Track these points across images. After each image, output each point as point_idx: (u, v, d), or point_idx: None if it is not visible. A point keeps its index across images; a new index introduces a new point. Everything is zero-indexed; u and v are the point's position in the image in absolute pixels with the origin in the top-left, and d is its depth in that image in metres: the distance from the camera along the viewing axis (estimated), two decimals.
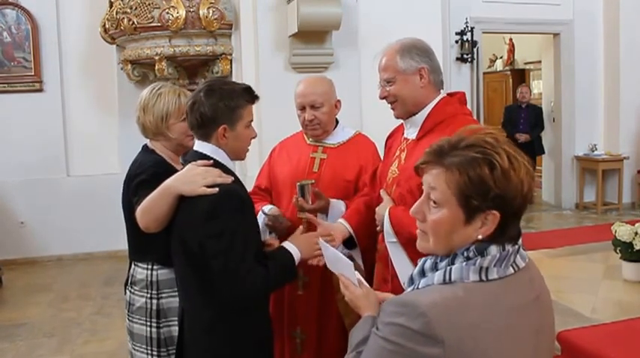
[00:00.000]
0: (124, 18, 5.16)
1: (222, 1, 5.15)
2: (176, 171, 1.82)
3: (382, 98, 1.99)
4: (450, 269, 1.11)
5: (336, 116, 2.46)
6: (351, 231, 2.13)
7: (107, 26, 5.46)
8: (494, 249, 1.11)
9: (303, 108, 2.35)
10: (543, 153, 8.00)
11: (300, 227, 2.10)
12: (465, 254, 1.11)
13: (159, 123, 2.12)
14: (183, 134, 2.11)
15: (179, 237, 1.74)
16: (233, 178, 1.75)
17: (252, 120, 1.83)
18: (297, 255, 1.82)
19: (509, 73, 10.63)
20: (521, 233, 1.16)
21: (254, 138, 1.87)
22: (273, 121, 4.07)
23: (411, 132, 2.01)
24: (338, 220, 2.18)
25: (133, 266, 2.18)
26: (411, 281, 1.20)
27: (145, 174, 2.00)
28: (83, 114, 6.25)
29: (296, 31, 4.56)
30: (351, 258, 1.91)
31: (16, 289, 5.28)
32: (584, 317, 2.38)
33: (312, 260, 1.93)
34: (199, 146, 1.79)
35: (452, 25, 6.87)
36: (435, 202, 1.13)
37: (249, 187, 2.12)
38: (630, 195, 7.68)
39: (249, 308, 1.75)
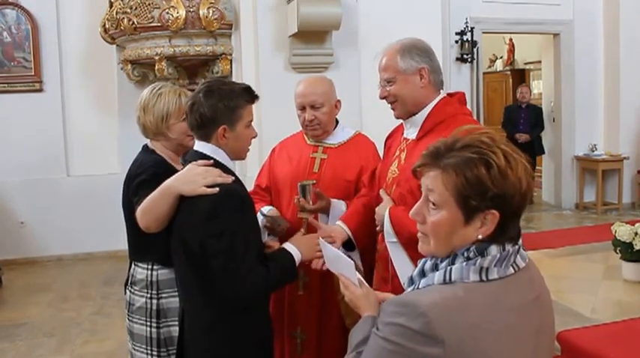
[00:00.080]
0: (124, 18, 5.16)
1: (222, 1, 5.15)
2: (176, 171, 1.82)
3: (382, 98, 1.99)
4: (450, 269, 1.11)
5: (336, 116, 2.46)
6: (350, 234, 2.13)
7: (107, 26, 5.46)
8: (494, 249, 1.11)
9: (303, 109, 2.35)
10: (543, 153, 8.00)
11: (302, 230, 2.10)
12: (465, 254, 1.11)
13: (159, 123, 2.12)
14: (183, 134, 2.11)
15: (179, 237, 1.74)
16: (233, 178, 1.75)
17: (252, 120, 1.83)
18: (297, 256, 1.82)
19: (509, 73, 10.64)
20: (521, 232, 1.16)
21: (254, 137, 1.87)
22: (273, 121, 4.07)
23: (410, 132, 2.01)
24: (336, 222, 2.18)
25: (133, 266, 2.18)
26: (411, 281, 1.20)
27: (145, 174, 2.00)
28: (83, 114, 6.25)
29: (296, 31, 4.56)
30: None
31: (16, 289, 5.28)
32: (584, 317, 2.38)
33: (313, 263, 1.93)
34: (199, 146, 1.79)
35: (452, 25, 6.87)
36: (433, 204, 1.13)
37: (249, 187, 2.12)
38: (630, 195, 7.68)
39: (249, 308, 1.75)
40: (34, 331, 4.25)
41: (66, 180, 6.22)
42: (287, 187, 2.40)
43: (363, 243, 2.16)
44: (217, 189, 1.66)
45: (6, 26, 6.05)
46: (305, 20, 4.46)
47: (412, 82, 1.92)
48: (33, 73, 6.11)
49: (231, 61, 5.34)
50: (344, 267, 1.43)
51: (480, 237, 1.10)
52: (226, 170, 1.76)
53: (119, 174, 4.27)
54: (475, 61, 7.15)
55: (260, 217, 2.26)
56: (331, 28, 4.67)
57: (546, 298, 1.21)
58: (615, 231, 2.74)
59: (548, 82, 8.17)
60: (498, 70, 10.98)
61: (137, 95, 2.26)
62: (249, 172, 4.31)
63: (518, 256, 1.15)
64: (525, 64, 10.55)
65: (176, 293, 2.07)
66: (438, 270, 1.14)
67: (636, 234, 2.66)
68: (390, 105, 2.00)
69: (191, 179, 1.69)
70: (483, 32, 7.25)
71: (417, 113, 1.96)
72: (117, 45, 5.80)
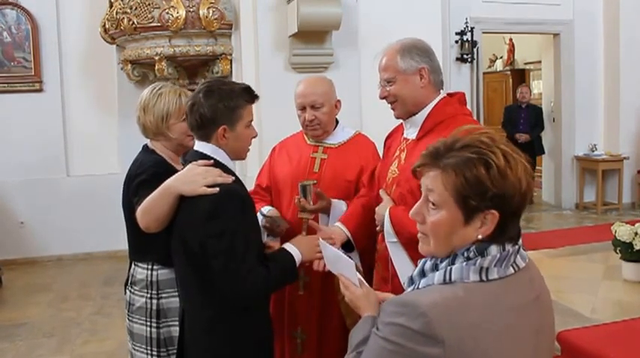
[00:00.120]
0: (124, 18, 5.16)
1: (222, 1, 5.15)
2: (176, 171, 1.82)
3: (382, 98, 1.99)
4: (450, 269, 1.11)
5: (336, 116, 2.46)
6: (349, 235, 2.13)
7: (107, 26, 5.46)
8: (494, 249, 1.11)
9: (303, 109, 2.35)
10: (543, 153, 8.00)
11: (303, 232, 2.09)
12: (465, 254, 1.11)
13: (159, 123, 2.12)
14: (183, 134, 2.11)
15: (179, 237, 1.74)
16: (233, 178, 1.75)
17: (252, 120, 1.83)
18: (298, 256, 1.82)
19: (509, 73, 10.64)
20: (521, 232, 1.16)
21: (254, 137, 1.87)
22: (273, 121, 4.07)
23: (410, 132, 2.01)
24: (335, 223, 2.17)
25: (133, 266, 2.18)
26: (411, 281, 1.20)
27: (146, 174, 2.00)
28: (83, 114, 6.25)
29: (296, 31, 4.56)
30: None
31: (16, 289, 5.28)
32: (584, 318, 2.38)
33: (314, 264, 1.92)
34: (199, 146, 1.79)
35: (452, 25, 6.87)
36: (433, 204, 1.13)
37: (249, 187, 2.12)
38: (630, 195, 7.68)
39: (249, 308, 1.75)
40: (34, 331, 4.25)
41: (66, 180, 6.22)
42: (287, 187, 2.40)
43: (362, 244, 2.16)
44: (217, 189, 1.66)
45: (6, 26, 6.05)
46: (305, 20, 4.46)
47: (412, 82, 1.93)
48: (33, 73, 6.11)
49: (231, 61, 5.35)
50: (344, 267, 1.43)
51: (479, 237, 1.11)
52: (226, 170, 1.76)
53: (119, 174, 4.27)
54: (475, 61, 7.15)
55: (259, 217, 2.26)
56: (331, 28, 4.67)
57: (546, 298, 1.21)
58: (615, 231, 2.74)
59: (548, 82, 8.17)
60: (498, 70, 10.98)
61: (137, 95, 2.26)
62: (249, 172, 4.31)
63: (518, 256, 1.15)
64: (525, 64, 10.55)
65: (176, 294, 2.07)
66: (438, 270, 1.14)
67: (636, 234, 2.66)
68: (390, 105, 2.00)
69: (191, 179, 1.69)
70: (483, 32, 7.25)
71: (416, 113, 1.96)
72: (117, 45, 5.80)
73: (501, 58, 10.98)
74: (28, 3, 6.05)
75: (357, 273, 1.39)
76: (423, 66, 1.92)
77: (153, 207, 1.76)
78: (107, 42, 5.71)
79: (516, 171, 1.10)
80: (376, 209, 2.00)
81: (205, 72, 5.55)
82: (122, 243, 2.38)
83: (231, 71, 5.35)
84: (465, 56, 7.06)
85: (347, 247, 2.14)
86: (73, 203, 6.09)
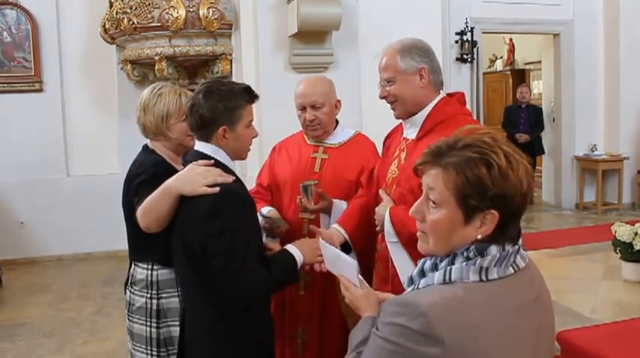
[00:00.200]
0: (124, 18, 5.16)
1: (222, 1, 5.15)
2: (176, 171, 1.82)
3: (382, 98, 1.99)
4: (450, 269, 1.11)
5: (336, 116, 2.46)
6: (346, 236, 2.13)
7: (107, 26, 5.46)
8: (494, 249, 1.11)
9: (303, 109, 2.35)
10: (543, 153, 8.00)
11: (307, 237, 2.09)
12: (465, 254, 1.11)
13: (159, 123, 2.12)
14: (183, 134, 2.11)
15: (180, 237, 1.74)
16: (234, 178, 1.75)
17: (252, 120, 1.83)
18: (299, 258, 1.82)
19: (509, 73, 10.64)
20: (521, 233, 1.16)
21: (255, 137, 1.87)
22: (273, 121, 4.07)
23: (410, 132, 2.01)
24: (332, 225, 2.17)
25: (133, 266, 2.18)
26: (411, 281, 1.20)
27: (146, 174, 2.00)
28: (83, 114, 6.25)
29: (296, 31, 4.56)
30: None
31: (16, 289, 5.28)
32: (584, 318, 2.38)
33: (315, 267, 1.92)
34: (200, 146, 1.79)
35: (452, 25, 6.87)
36: (434, 202, 1.13)
37: (249, 187, 2.12)
38: (630, 195, 7.68)
39: (249, 309, 1.75)
40: (34, 331, 4.25)
41: (66, 180, 6.22)
42: (288, 187, 2.40)
43: (360, 245, 2.16)
44: (218, 188, 1.66)
45: (6, 26, 6.05)
46: (305, 20, 4.46)
47: (412, 81, 1.93)
48: (33, 73, 6.11)
49: (231, 61, 5.35)
50: (344, 267, 1.43)
51: (479, 236, 1.11)
52: (227, 170, 1.76)
53: (119, 174, 4.28)
54: (475, 61, 7.15)
55: (259, 218, 2.26)
56: (331, 28, 4.67)
57: (546, 298, 1.21)
58: (615, 231, 2.74)
59: (548, 82, 8.17)
60: (498, 70, 10.98)
61: (137, 95, 2.26)
62: (249, 172, 4.30)
63: (518, 256, 1.15)
64: (525, 64, 10.55)
65: (176, 294, 2.07)
66: (437, 270, 1.14)
67: (636, 234, 2.66)
68: (389, 105, 2.00)
69: (191, 179, 1.69)
70: (483, 32, 7.25)
71: (416, 113, 1.96)
72: (117, 45, 5.80)
73: (501, 58, 10.98)
74: (28, 3, 6.05)
75: (358, 274, 1.39)
76: (423, 66, 1.92)
77: (153, 207, 1.76)
78: (107, 42, 5.71)
79: (518, 172, 1.10)
80: (376, 209, 2.00)
81: (205, 72, 5.55)
82: (122, 243, 2.38)
83: (231, 71, 5.35)
84: (465, 56, 7.06)
85: (344, 249, 2.14)
86: (73, 203, 6.09)
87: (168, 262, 1.94)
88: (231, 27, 5.25)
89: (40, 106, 6.10)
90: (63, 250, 6.12)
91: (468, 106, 2.12)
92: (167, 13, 4.98)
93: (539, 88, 9.65)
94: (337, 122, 2.46)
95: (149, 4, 5.04)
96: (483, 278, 1.09)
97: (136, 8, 5.09)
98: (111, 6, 5.40)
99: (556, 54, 7.69)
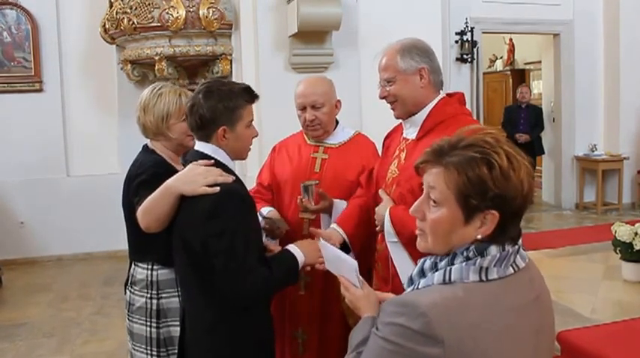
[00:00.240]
0: (124, 18, 5.16)
1: (222, 1, 5.15)
2: (176, 171, 1.82)
3: (382, 98, 1.99)
4: (450, 269, 1.11)
5: (336, 116, 2.46)
6: (345, 237, 2.12)
7: (107, 26, 5.46)
8: (494, 249, 1.11)
9: (303, 109, 2.35)
10: (543, 153, 8.00)
11: (304, 233, 2.09)
12: (465, 254, 1.11)
13: (159, 123, 2.11)
14: (183, 134, 2.11)
15: (180, 237, 1.74)
16: (234, 178, 1.75)
17: (252, 120, 1.83)
18: (301, 258, 1.82)
19: (509, 73, 10.63)
20: (521, 233, 1.16)
21: (255, 137, 1.87)
22: (273, 121, 4.07)
23: (410, 132, 2.01)
24: (331, 225, 2.17)
25: (133, 266, 2.18)
26: (411, 281, 1.20)
27: (146, 174, 2.00)
28: (83, 114, 6.25)
29: (296, 31, 4.56)
30: None
31: (16, 289, 5.28)
32: (584, 318, 2.38)
33: (317, 267, 1.92)
34: (200, 146, 1.79)
35: (452, 25, 6.87)
36: (434, 201, 1.13)
37: (249, 187, 2.12)
38: (630, 196, 7.68)
39: (250, 309, 1.75)
40: (34, 331, 4.25)
41: (66, 180, 6.22)
42: (288, 187, 2.41)
43: (359, 246, 2.16)
44: (218, 188, 1.66)
45: (6, 26, 6.05)
46: (305, 20, 4.46)
47: (412, 81, 1.92)
48: (33, 73, 6.11)
49: (231, 61, 5.35)
50: (344, 267, 1.42)
51: (479, 236, 1.11)
52: (227, 170, 1.76)
53: (119, 174, 4.28)
54: (475, 61, 7.15)
55: (259, 218, 2.26)
56: (331, 28, 4.67)
57: (546, 298, 1.21)
58: (615, 231, 2.74)
59: (548, 82, 8.17)
60: (498, 70, 10.98)
61: (137, 95, 2.26)
62: (249, 172, 4.31)
63: (518, 256, 1.15)
64: (525, 64, 10.55)
65: (176, 294, 2.07)
66: (437, 270, 1.14)
67: (636, 234, 2.66)
68: (389, 105, 2.00)
69: (192, 179, 1.69)
70: (483, 32, 7.25)
71: (416, 113, 1.96)
72: (117, 45, 5.80)
73: (501, 58, 10.98)
74: (28, 3, 6.05)
75: (358, 274, 1.39)
76: (422, 66, 1.92)
77: (153, 207, 1.76)
78: (107, 42, 5.71)
79: (519, 173, 1.10)
80: (376, 209, 2.00)
81: (205, 72, 5.55)
82: (122, 243, 2.38)
83: (231, 71, 5.35)
84: (465, 56, 7.06)
85: (343, 249, 2.14)
86: (73, 203, 6.10)
87: (169, 262, 1.94)
88: (231, 27, 5.25)
89: (40, 106, 6.10)
90: (63, 250, 6.12)
91: (468, 106, 2.12)
92: (167, 13, 4.98)
93: (539, 87, 9.64)
94: (337, 122, 2.46)
95: (149, 4, 5.04)
96: (483, 278, 1.09)
97: (136, 8, 5.09)
98: (111, 6, 5.40)
99: (556, 54, 7.69)
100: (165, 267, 2.07)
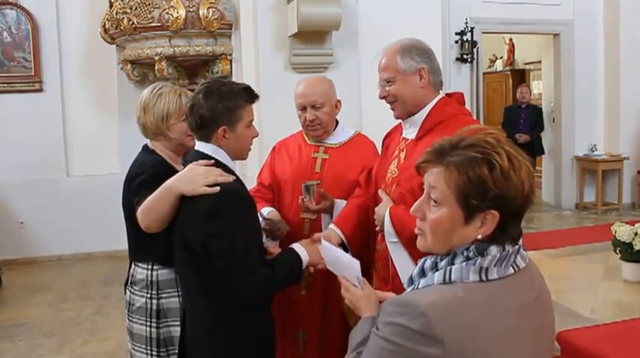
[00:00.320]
0: (123, 18, 5.16)
1: (222, 1, 5.15)
2: (176, 171, 1.83)
3: (382, 98, 1.99)
4: (450, 269, 1.11)
5: (336, 116, 2.45)
6: (343, 238, 2.12)
7: (107, 26, 5.46)
8: (494, 249, 1.11)
9: (304, 109, 2.35)
10: (543, 153, 8.00)
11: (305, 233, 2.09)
12: (465, 254, 1.11)
13: (159, 123, 2.11)
14: (183, 134, 2.11)
15: (180, 237, 1.74)
16: (234, 177, 1.75)
17: (252, 120, 1.83)
18: (305, 258, 1.82)
19: (509, 73, 10.64)
20: (522, 233, 1.16)
21: (256, 137, 1.87)
22: (273, 121, 4.07)
23: (410, 132, 2.01)
24: (329, 226, 2.17)
25: (133, 266, 2.18)
26: (411, 281, 1.20)
27: (146, 174, 2.00)
28: (83, 114, 6.25)
29: (296, 31, 4.56)
30: None
31: (16, 289, 5.28)
32: (584, 318, 2.38)
33: (320, 266, 1.92)
34: (200, 146, 1.79)
35: (452, 25, 6.87)
36: (435, 201, 1.13)
37: (249, 187, 2.11)
38: (630, 196, 7.68)
39: (250, 309, 1.75)
40: (34, 331, 4.25)
41: (66, 180, 6.22)
42: (288, 187, 2.41)
43: (358, 246, 2.15)
44: (218, 188, 1.66)
45: (6, 26, 6.05)
46: (305, 20, 4.46)
47: (412, 82, 1.93)
48: (33, 73, 6.11)
49: (231, 61, 5.34)
50: (345, 268, 1.42)
51: (479, 236, 1.10)
52: (227, 170, 1.76)
53: (119, 174, 4.28)
54: (475, 61, 7.15)
55: (259, 219, 2.25)
56: (331, 28, 4.67)
57: (547, 298, 1.21)
58: (615, 232, 2.74)
59: (548, 82, 8.17)
60: (498, 70, 10.98)
61: (137, 95, 2.26)
62: (249, 172, 4.30)
63: (518, 256, 1.15)
64: (525, 64, 10.55)
65: (176, 294, 2.07)
66: (437, 270, 1.14)
67: (636, 234, 2.66)
68: (389, 105, 2.00)
69: (192, 179, 1.69)
70: (483, 32, 7.25)
71: (416, 113, 1.96)
72: (117, 45, 5.80)
73: (501, 58, 10.98)
74: (28, 3, 6.05)
75: (359, 274, 1.38)
76: (422, 66, 1.92)
77: (154, 207, 1.76)
78: (107, 42, 5.71)
79: (520, 173, 1.10)
80: (376, 209, 2.00)
81: (205, 72, 5.55)
82: (122, 243, 2.38)
83: (231, 71, 5.35)
84: (464, 56, 7.06)
85: (342, 249, 2.14)
86: (73, 203, 6.09)
87: (169, 262, 1.94)
88: (231, 27, 5.24)
89: (40, 106, 6.10)
90: (63, 250, 6.12)
91: (468, 106, 2.12)
92: (167, 13, 4.98)
93: (539, 88, 9.64)
94: (337, 122, 2.46)
95: (149, 4, 5.04)
96: (483, 278, 1.09)
97: (136, 8, 5.09)
98: (111, 6, 5.40)
99: (556, 54, 7.69)
100: (165, 267, 2.07)
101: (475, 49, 7.08)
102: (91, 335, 4.16)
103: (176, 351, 1.96)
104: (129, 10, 5.13)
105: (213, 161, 1.75)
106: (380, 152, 2.28)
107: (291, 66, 4.82)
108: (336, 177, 2.34)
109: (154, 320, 2.10)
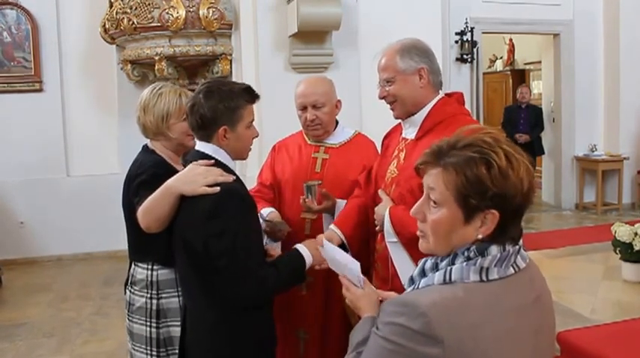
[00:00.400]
0: (123, 18, 5.16)
1: (222, 1, 5.15)
2: (176, 171, 1.83)
3: (381, 98, 1.99)
4: (451, 269, 1.11)
5: (337, 116, 2.45)
6: (343, 239, 2.12)
7: (107, 26, 5.46)
8: (494, 249, 1.11)
9: (304, 109, 2.35)
10: (543, 153, 8.00)
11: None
12: (466, 254, 1.11)
13: (159, 123, 2.11)
14: (183, 134, 2.11)
15: (180, 237, 1.74)
16: (234, 177, 1.75)
17: (252, 120, 1.83)
18: (308, 258, 1.82)
19: (509, 73, 10.63)
20: (522, 233, 1.16)
21: (256, 137, 1.87)
22: (273, 121, 4.07)
23: (409, 132, 2.01)
24: (330, 227, 2.17)
25: (133, 266, 2.18)
26: (412, 281, 1.20)
27: (146, 174, 2.00)
28: (83, 114, 6.25)
29: (296, 31, 4.56)
30: None
31: (16, 289, 5.28)
32: (584, 318, 2.38)
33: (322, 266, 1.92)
34: (200, 146, 1.79)
35: (452, 25, 6.87)
36: (434, 202, 1.13)
37: (249, 187, 2.11)
38: (630, 196, 7.68)
39: (250, 309, 1.75)
40: (34, 331, 4.25)
41: (66, 180, 6.22)
42: (289, 187, 2.40)
43: (357, 246, 2.15)
44: (218, 188, 1.66)
45: (6, 26, 6.05)
46: (305, 20, 4.47)
47: (411, 82, 1.93)
48: (33, 73, 6.11)
49: (231, 61, 5.35)
50: (346, 268, 1.42)
51: (479, 236, 1.10)
52: (227, 170, 1.76)
53: (119, 174, 4.27)
54: (475, 61, 7.15)
55: (260, 220, 2.25)
56: (331, 28, 4.67)
57: (547, 299, 1.21)
58: (615, 232, 2.74)
59: (548, 82, 8.17)
60: (498, 70, 10.98)
61: (137, 95, 2.26)
62: (249, 172, 4.30)
63: (518, 256, 1.15)
64: (525, 64, 10.55)
65: (176, 294, 2.07)
66: (438, 270, 1.14)
67: (636, 234, 2.66)
68: (389, 105, 2.00)
69: (192, 179, 1.69)
70: (483, 32, 7.25)
71: (415, 113, 1.96)
72: (117, 45, 5.80)
73: (501, 58, 10.97)
74: (28, 3, 6.05)
75: (359, 274, 1.38)
76: (422, 66, 1.92)
77: (154, 207, 1.76)
78: (107, 42, 5.71)
79: (518, 172, 1.10)
80: (375, 209, 2.00)
81: (205, 72, 5.55)
82: (122, 243, 2.38)
83: (231, 71, 5.35)
84: (464, 56, 7.06)
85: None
86: (73, 203, 6.10)
87: (169, 262, 1.94)
88: (231, 27, 5.25)
89: (40, 106, 6.10)
90: (63, 250, 6.12)
91: (468, 106, 2.12)
92: (167, 13, 4.98)
93: (539, 88, 9.64)
94: (337, 122, 2.46)
95: (149, 4, 5.04)
96: (484, 278, 1.09)
97: (136, 8, 5.09)
98: (111, 6, 5.40)
99: (556, 54, 7.68)
100: (166, 267, 2.07)
101: (475, 49, 7.08)
102: (91, 335, 4.16)
103: (176, 351, 1.96)
104: (129, 10, 5.13)
105: (213, 161, 1.75)
106: (379, 152, 2.28)
107: (291, 66, 4.82)
108: (336, 177, 2.34)
109: (153, 320, 2.10)
